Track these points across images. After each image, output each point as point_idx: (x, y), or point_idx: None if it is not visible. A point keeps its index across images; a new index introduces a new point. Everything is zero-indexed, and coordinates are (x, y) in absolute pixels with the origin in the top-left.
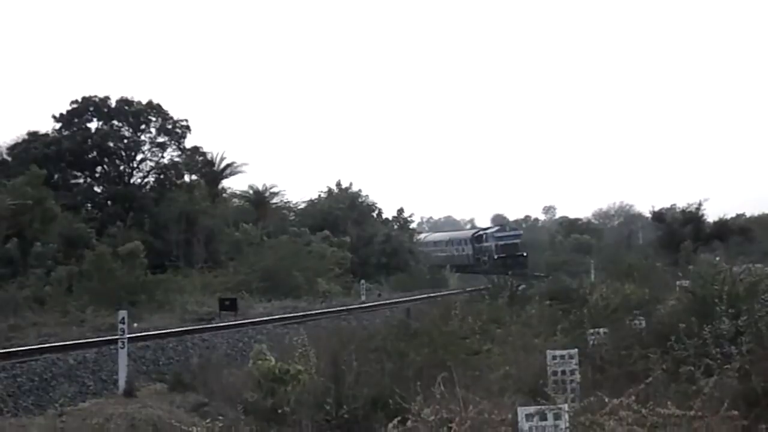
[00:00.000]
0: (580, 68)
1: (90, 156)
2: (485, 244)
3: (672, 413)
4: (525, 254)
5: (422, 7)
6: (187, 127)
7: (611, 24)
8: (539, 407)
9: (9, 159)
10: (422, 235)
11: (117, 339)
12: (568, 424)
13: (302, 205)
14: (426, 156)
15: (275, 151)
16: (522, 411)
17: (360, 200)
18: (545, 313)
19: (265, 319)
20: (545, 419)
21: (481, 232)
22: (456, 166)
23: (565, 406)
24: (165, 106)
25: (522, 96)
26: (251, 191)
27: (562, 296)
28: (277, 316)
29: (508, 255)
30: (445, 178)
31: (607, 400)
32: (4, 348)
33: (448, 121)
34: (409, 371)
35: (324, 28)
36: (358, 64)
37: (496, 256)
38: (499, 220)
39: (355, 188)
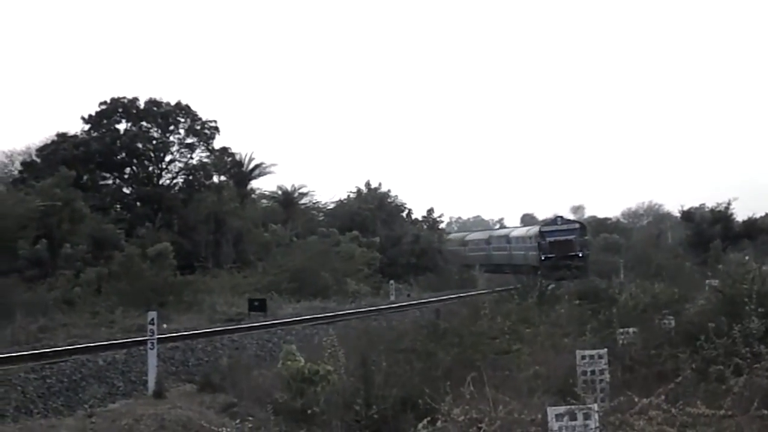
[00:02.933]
0: (609, 66)
1: (119, 157)
2: (542, 242)
3: (702, 413)
4: (581, 254)
5: (450, 8)
6: (216, 128)
7: (638, 21)
8: (569, 407)
9: (38, 160)
10: (477, 234)
11: (146, 340)
12: (597, 424)
13: (331, 206)
14: (455, 156)
15: (304, 152)
16: (552, 411)
17: (389, 200)
18: (574, 313)
19: (294, 319)
20: (575, 419)
21: (544, 226)
22: (485, 165)
23: (595, 406)
24: (194, 107)
25: (551, 95)
26: (280, 192)
27: (591, 296)
28: (306, 317)
29: (559, 256)
30: (474, 178)
31: (636, 399)
32: (34, 349)
33: (477, 120)
34: (439, 371)
35: (352, 29)
36: (387, 64)
37: (543, 257)
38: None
39: (384, 188)
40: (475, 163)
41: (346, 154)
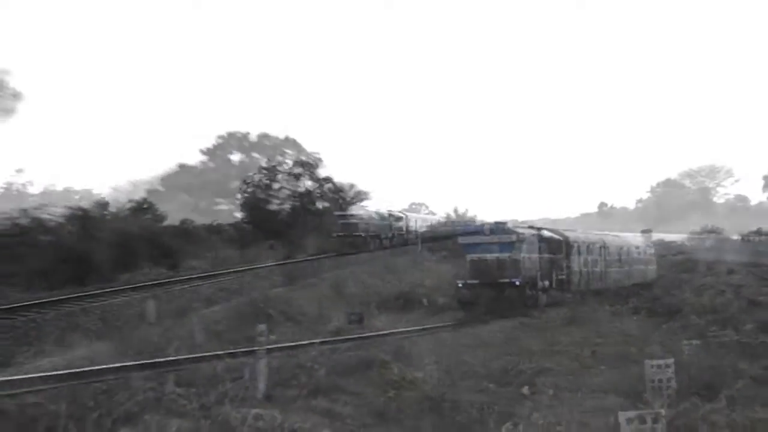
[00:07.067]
0: (671, 73)
1: (232, 185)
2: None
3: (761, 417)
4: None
5: (500, 22)
6: (320, 159)
7: (697, 27)
8: (639, 412)
9: (161, 188)
10: None
11: (256, 350)
12: (665, 428)
13: (423, 229)
14: (533, 175)
15: (400, 180)
16: (623, 415)
17: (475, 223)
18: (643, 325)
19: (389, 331)
20: (644, 423)
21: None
22: (560, 182)
23: (663, 411)
24: (300, 141)
25: (608, 104)
26: (377, 216)
27: (659, 309)
28: (401, 329)
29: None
30: (549, 194)
31: (700, 404)
32: (152, 357)
33: (552, 138)
34: (520, 378)
35: (443, 57)
36: (480, 90)
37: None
38: None
39: (470, 213)
40: (549, 178)
41: (438, 180)
